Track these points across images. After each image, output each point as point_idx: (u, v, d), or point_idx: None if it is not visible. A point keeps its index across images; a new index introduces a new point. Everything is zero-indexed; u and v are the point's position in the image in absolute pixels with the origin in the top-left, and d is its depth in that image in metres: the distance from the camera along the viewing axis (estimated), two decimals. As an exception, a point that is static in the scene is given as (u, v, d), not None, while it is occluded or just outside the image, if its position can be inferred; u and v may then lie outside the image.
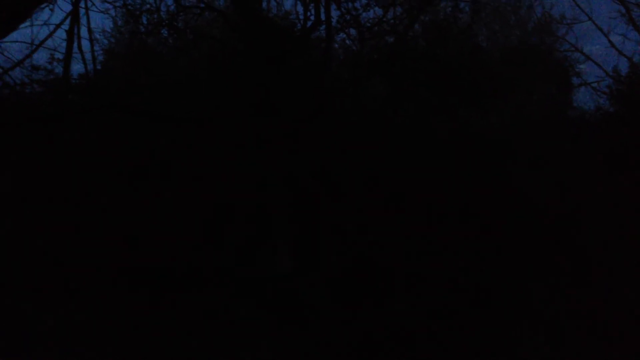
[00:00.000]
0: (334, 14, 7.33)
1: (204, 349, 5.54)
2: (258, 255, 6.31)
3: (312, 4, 7.26)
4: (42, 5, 6.30)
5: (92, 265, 5.67)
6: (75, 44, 7.10)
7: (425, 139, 6.61)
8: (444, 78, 7.03)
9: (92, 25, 7.49)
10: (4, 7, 3.48)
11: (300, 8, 7.54)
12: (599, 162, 6.81)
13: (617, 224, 6.33)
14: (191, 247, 6.02)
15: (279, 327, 5.84)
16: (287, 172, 6.43)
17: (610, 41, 9.91)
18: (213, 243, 6.19)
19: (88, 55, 7.37)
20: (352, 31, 7.68)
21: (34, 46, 6.76)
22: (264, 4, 7.75)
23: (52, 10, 6.67)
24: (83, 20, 7.58)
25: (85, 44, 7.31)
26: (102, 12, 7.48)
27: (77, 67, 8.28)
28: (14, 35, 5.56)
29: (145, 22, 7.56)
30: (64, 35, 7.05)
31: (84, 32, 7.84)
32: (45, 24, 6.77)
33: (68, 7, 7.10)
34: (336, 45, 7.84)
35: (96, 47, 7.63)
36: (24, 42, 6.75)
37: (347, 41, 7.94)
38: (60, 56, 6.92)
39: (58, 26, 6.90)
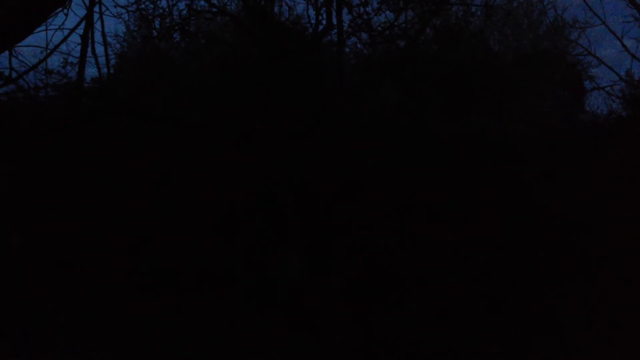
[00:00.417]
0: (346, 18, 7.36)
1: (213, 352, 5.56)
2: (268, 259, 6.32)
3: (324, 9, 7.29)
4: (57, 10, 6.36)
5: (102, 267, 5.70)
6: (89, 48, 7.17)
7: (437, 143, 6.59)
8: (455, 82, 7.01)
9: (106, 29, 7.56)
10: (20, 12, 3.52)
11: (312, 12, 7.57)
12: (612, 167, 6.77)
13: (631, 229, 6.29)
14: (201, 250, 6.04)
15: (289, 331, 5.84)
16: (299, 175, 6.43)
17: (623, 45, 9.87)
18: (224, 246, 6.20)
19: (102, 60, 7.44)
20: (364, 35, 7.70)
21: (49, 50, 6.83)
22: (276, 9, 7.79)
23: (66, 15, 6.73)
24: (97, 25, 7.67)
25: (99, 48, 7.37)
26: (115, 16, 7.55)
27: (90, 71, 8.35)
28: (28, 40, 5.63)
29: (157, 26, 7.62)
30: (78, 40, 7.12)
31: (97, 36, 7.92)
32: (60, 28, 6.84)
33: (82, 12, 7.18)
34: (347, 50, 7.86)
35: (109, 52, 7.70)
36: (39, 47, 6.82)
37: (359, 45, 7.96)
38: (74, 60, 6.99)
39: (72, 30, 6.98)
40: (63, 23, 6.98)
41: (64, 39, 6.91)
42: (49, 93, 6.93)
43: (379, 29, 7.50)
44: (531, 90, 7.79)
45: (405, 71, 7.15)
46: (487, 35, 8.54)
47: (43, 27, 6.53)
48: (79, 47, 7.11)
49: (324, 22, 7.29)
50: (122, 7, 7.35)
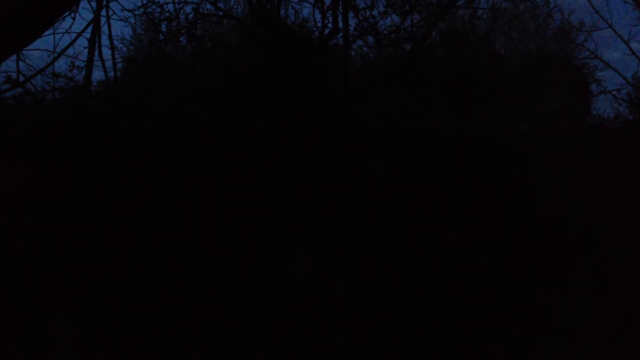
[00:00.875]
0: (352, 21, 7.38)
1: (217, 353, 5.56)
2: (274, 261, 6.32)
3: (330, 12, 7.30)
4: (64, 14, 6.39)
5: (107, 267, 5.72)
6: (96, 52, 7.20)
7: (443, 147, 6.59)
8: (461, 85, 7.02)
9: (113, 33, 7.59)
10: (29, 16, 3.55)
11: (318, 16, 7.59)
12: (618, 170, 6.75)
13: (637, 232, 6.27)
14: (207, 251, 6.05)
15: (295, 333, 5.84)
16: (304, 177, 6.44)
17: (630, 48, 9.85)
18: (229, 247, 6.21)
19: (109, 63, 7.48)
20: (370, 39, 7.72)
21: (56, 54, 6.87)
22: (282, 12, 7.81)
23: (73, 18, 6.77)
24: (104, 29, 7.70)
25: (106, 51, 7.41)
26: (122, 20, 7.59)
27: (97, 75, 8.40)
28: (36, 43, 5.65)
29: (164, 29, 7.66)
30: (85, 43, 7.16)
31: (104, 40, 7.96)
32: (67, 32, 6.88)
33: (89, 16, 7.22)
34: (353, 53, 7.87)
35: (116, 55, 7.73)
36: (46, 50, 6.86)
37: (365, 49, 7.98)
38: (81, 64, 7.03)
39: (79, 34, 7.01)
40: (70, 27, 7.01)
41: (71, 43, 6.95)
42: (56, 96, 6.97)
43: (385, 32, 7.53)
44: (537, 94, 7.78)
45: (411, 74, 7.16)
46: (493, 39, 8.54)
47: (50, 31, 6.57)
48: (86, 51, 7.16)
49: (330, 25, 7.31)
50: (129, 10, 7.39)
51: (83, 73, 7.06)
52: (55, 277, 5.65)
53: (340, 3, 7.26)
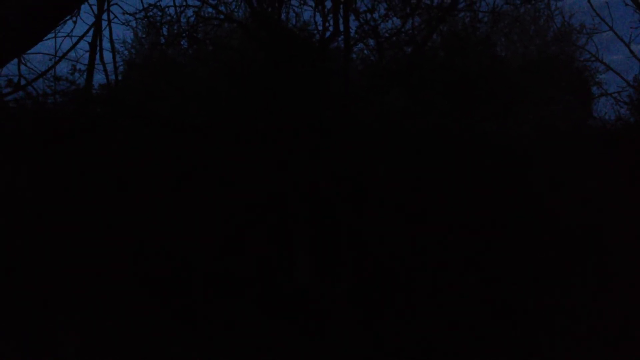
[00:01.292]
0: (353, 24, 7.38)
1: (220, 356, 5.57)
2: (277, 263, 6.33)
3: (331, 15, 7.31)
4: (66, 18, 6.40)
5: (110, 271, 5.73)
6: (98, 56, 7.21)
7: (444, 150, 6.60)
8: (462, 88, 7.02)
9: (114, 37, 7.59)
10: (31, 20, 3.55)
11: (319, 19, 7.60)
12: (620, 172, 6.76)
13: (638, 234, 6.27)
14: (210, 254, 6.06)
15: (298, 337, 5.84)
16: (306, 179, 6.45)
17: (631, 51, 9.83)
18: (232, 253, 6.21)
19: (110, 67, 7.48)
20: (371, 42, 7.72)
21: (57, 58, 6.87)
22: (283, 15, 7.82)
23: (75, 22, 6.76)
24: (105, 32, 7.71)
25: (107, 55, 7.41)
26: (123, 24, 7.58)
27: (98, 78, 8.40)
28: (37, 47, 5.67)
29: (165, 33, 7.67)
30: (87, 47, 7.17)
31: (106, 44, 7.96)
32: (69, 36, 6.88)
33: (91, 20, 7.22)
34: (354, 56, 7.88)
35: (117, 58, 7.73)
36: (47, 54, 6.86)
37: (366, 51, 7.98)
38: (83, 67, 7.03)
39: (81, 38, 7.00)
40: (72, 31, 7.02)
41: (73, 47, 6.95)
42: (57, 100, 6.97)
43: (386, 35, 7.53)
44: (537, 96, 7.79)
45: (412, 77, 7.17)
46: (494, 42, 8.54)
47: (52, 35, 6.56)
48: (87, 55, 7.16)
49: (331, 28, 7.32)
50: (130, 14, 7.38)
51: (84, 76, 7.06)
52: (57, 278, 5.66)
53: (341, 6, 7.28)
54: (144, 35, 8.65)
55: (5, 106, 6.54)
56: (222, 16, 7.67)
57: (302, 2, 7.54)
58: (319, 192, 6.47)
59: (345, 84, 7.26)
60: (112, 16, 7.38)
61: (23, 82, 6.59)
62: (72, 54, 7.01)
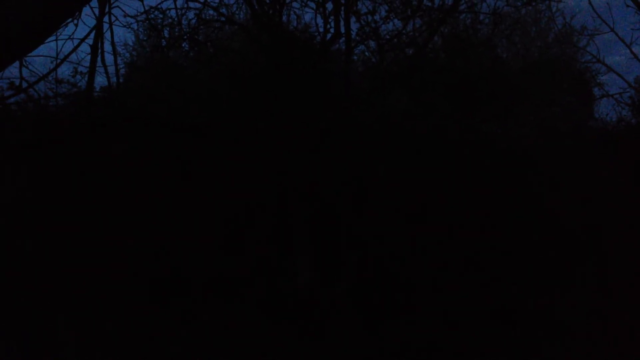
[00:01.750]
0: (354, 26, 7.39)
1: (220, 356, 5.57)
2: (278, 266, 6.33)
3: (332, 17, 7.31)
4: (67, 21, 6.40)
5: (110, 273, 5.73)
6: (99, 58, 7.22)
7: (445, 151, 6.60)
8: (463, 89, 7.02)
9: (115, 39, 7.61)
10: (32, 22, 3.56)
11: (320, 21, 7.60)
12: (621, 174, 6.75)
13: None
14: (211, 257, 6.06)
15: (299, 339, 5.84)
16: (307, 182, 6.45)
17: (632, 52, 9.82)
18: (233, 254, 6.22)
19: (111, 69, 7.49)
20: (372, 43, 7.73)
21: (59, 60, 6.87)
22: (284, 17, 7.83)
23: (76, 25, 6.77)
24: (107, 35, 7.71)
25: (109, 57, 7.43)
26: (124, 26, 7.59)
27: (99, 80, 8.42)
28: (38, 50, 5.67)
29: (166, 35, 7.67)
30: (88, 50, 7.17)
31: (107, 46, 7.98)
32: (70, 38, 6.88)
33: (92, 22, 7.24)
34: (355, 58, 7.88)
35: (119, 61, 7.74)
36: (49, 57, 6.87)
37: (367, 53, 7.99)
38: (84, 70, 7.04)
39: (82, 40, 7.01)
40: (73, 33, 7.01)
41: (74, 49, 6.96)
42: (59, 102, 6.98)
43: (387, 37, 7.53)
44: (538, 97, 7.78)
45: (413, 79, 7.17)
46: (495, 43, 8.54)
47: (53, 37, 6.57)
48: (88, 57, 7.16)
49: (332, 30, 7.32)
50: (131, 17, 7.39)
51: (86, 79, 7.07)
52: (57, 279, 5.67)
53: (342, 8, 7.28)
54: (145, 38, 8.67)
55: (7, 108, 6.55)
56: (223, 19, 7.68)
57: (303, 4, 7.54)
58: (319, 193, 6.47)
59: (346, 86, 7.26)
60: (113, 19, 7.40)
61: (25, 84, 6.60)
62: (73, 57, 7.03)
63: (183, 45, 7.72)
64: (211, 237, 6.13)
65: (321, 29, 7.44)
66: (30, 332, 5.49)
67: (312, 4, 7.44)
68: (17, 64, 6.38)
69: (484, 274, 6.10)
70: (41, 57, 6.81)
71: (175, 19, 7.45)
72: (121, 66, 7.88)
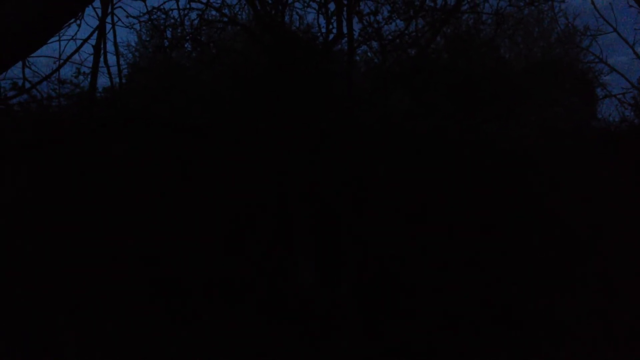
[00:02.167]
0: (356, 27, 7.39)
1: (221, 358, 5.57)
2: (279, 267, 6.33)
3: (334, 17, 7.31)
4: (70, 21, 6.41)
5: (111, 275, 5.75)
6: (102, 59, 7.23)
7: (446, 151, 6.60)
8: (465, 90, 7.02)
9: (118, 40, 7.61)
10: (35, 23, 3.57)
11: (322, 21, 7.60)
12: (623, 174, 6.74)
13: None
14: (212, 258, 6.07)
15: (300, 339, 5.84)
16: (309, 182, 6.46)
17: (635, 52, 9.80)
18: (234, 255, 6.22)
19: (114, 70, 7.50)
20: (374, 44, 7.73)
21: (61, 61, 6.89)
22: (287, 18, 7.84)
23: (79, 25, 6.78)
24: (109, 35, 7.73)
25: (111, 58, 7.45)
26: (127, 27, 7.61)
27: (102, 81, 8.44)
28: (41, 50, 5.68)
29: (169, 36, 7.68)
30: (91, 50, 7.19)
31: (110, 47, 8.00)
32: (73, 39, 6.90)
33: (95, 23, 7.25)
34: (358, 58, 7.88)
35: (121, 61, 7.76)
36: (52, 57, 6.88)
37: (369, 54, 7.99)
38: (87, 70, 7.05)
39: (85, 41, 7.02)
40: (76, 34, 7.04)
41: (77, 50, 6.97)
42: (61, 103, 7.00)
43: (390, 37, 7.53)
44: (541, 98, 7.77)
45: (416, 79, 7.17)
46: (497, 44, 8.53)
47: (56, 38, 6.58)
48: (91, 57, 7.18)
49: (334, 30, 7.32)
50: (134, 17, 7.41)
51: (88, 79, 7.08)
52: (57, 279, 5.69)
53: (345, 8, 7.28)
54: (147, 38, 8.68)
55: (10, 109, 6.56)
56: (225, 19, 7.69)
57: (305, 4, 7.55)
58: (321, 193, 6.47)
59: (348, 86, 7.27)
60: (116, 19, 7.42)
61: (27, 85, 6.62)
62: (76, 57, 7.04)
63: (185, 45, 7.74)
64: (212, 238, 6.13)
65: (323, 30, 7.46)
66: (31, 332, 5.51)
67: (315, 5, 7.45)
68: (19, 64, 6.39)
69: (485, 274, 6.10)
70: (44, 57, 6.84)
71: (178, 19, 7.46)
72: (124, 67, 7.91)
